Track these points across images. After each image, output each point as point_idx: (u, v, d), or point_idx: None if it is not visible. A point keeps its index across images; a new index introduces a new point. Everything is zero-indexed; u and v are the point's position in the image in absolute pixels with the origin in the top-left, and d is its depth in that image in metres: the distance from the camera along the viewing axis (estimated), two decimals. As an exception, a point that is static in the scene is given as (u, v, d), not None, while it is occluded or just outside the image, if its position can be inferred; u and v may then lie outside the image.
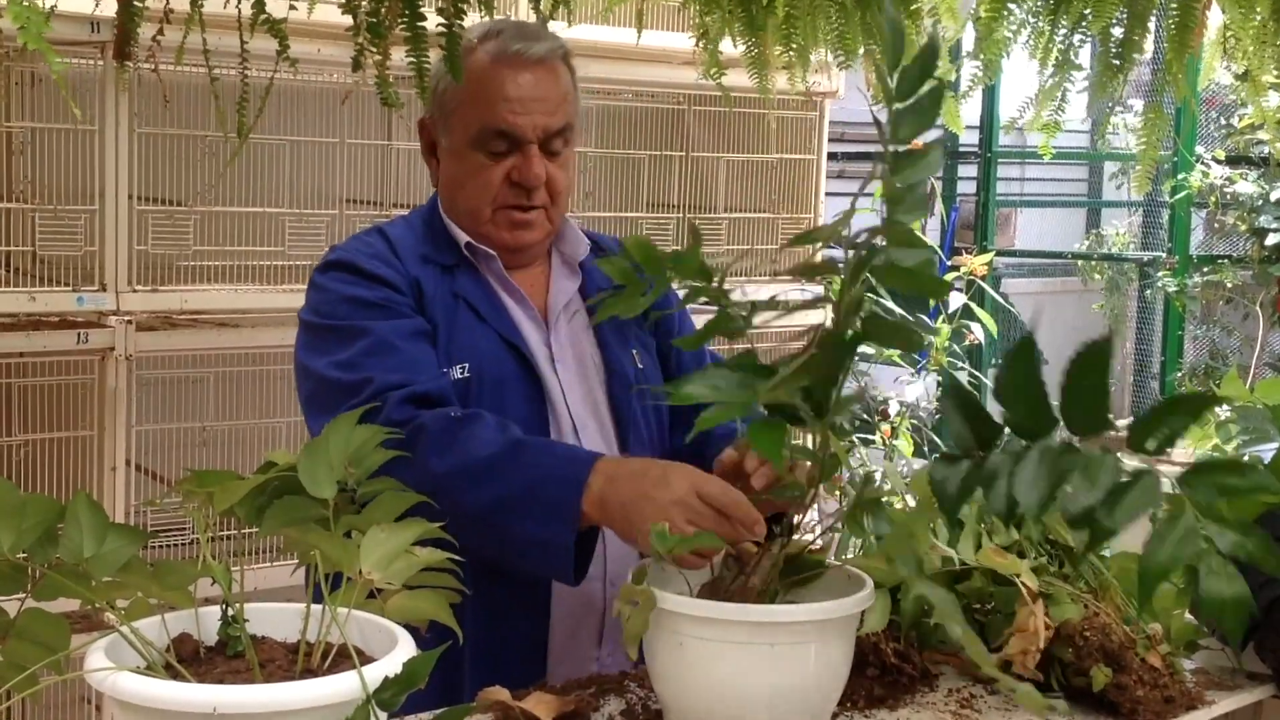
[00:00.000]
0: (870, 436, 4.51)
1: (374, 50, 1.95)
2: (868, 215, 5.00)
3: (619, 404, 1.92)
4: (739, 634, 1.39)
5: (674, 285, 2.13)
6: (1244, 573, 1.64)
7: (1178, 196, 5.91)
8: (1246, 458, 2.06)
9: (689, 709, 1.45)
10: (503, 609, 1.74)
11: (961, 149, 7.12)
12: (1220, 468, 1.14)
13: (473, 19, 2.12)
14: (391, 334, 1.79)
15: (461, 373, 1.83)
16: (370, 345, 1.78)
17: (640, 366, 1.96)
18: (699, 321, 2.20)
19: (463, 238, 1.91)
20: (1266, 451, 1.86)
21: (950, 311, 4.68)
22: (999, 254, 6.28)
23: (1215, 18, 2.17)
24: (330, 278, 1.88)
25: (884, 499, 1.50)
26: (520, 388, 1.86)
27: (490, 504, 1.60)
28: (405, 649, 1.17)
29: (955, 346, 4.83)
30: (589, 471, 1.62)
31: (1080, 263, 7.53)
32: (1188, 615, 1.74)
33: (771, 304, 1.41)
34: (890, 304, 4.58)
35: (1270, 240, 5.77)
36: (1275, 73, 2.11)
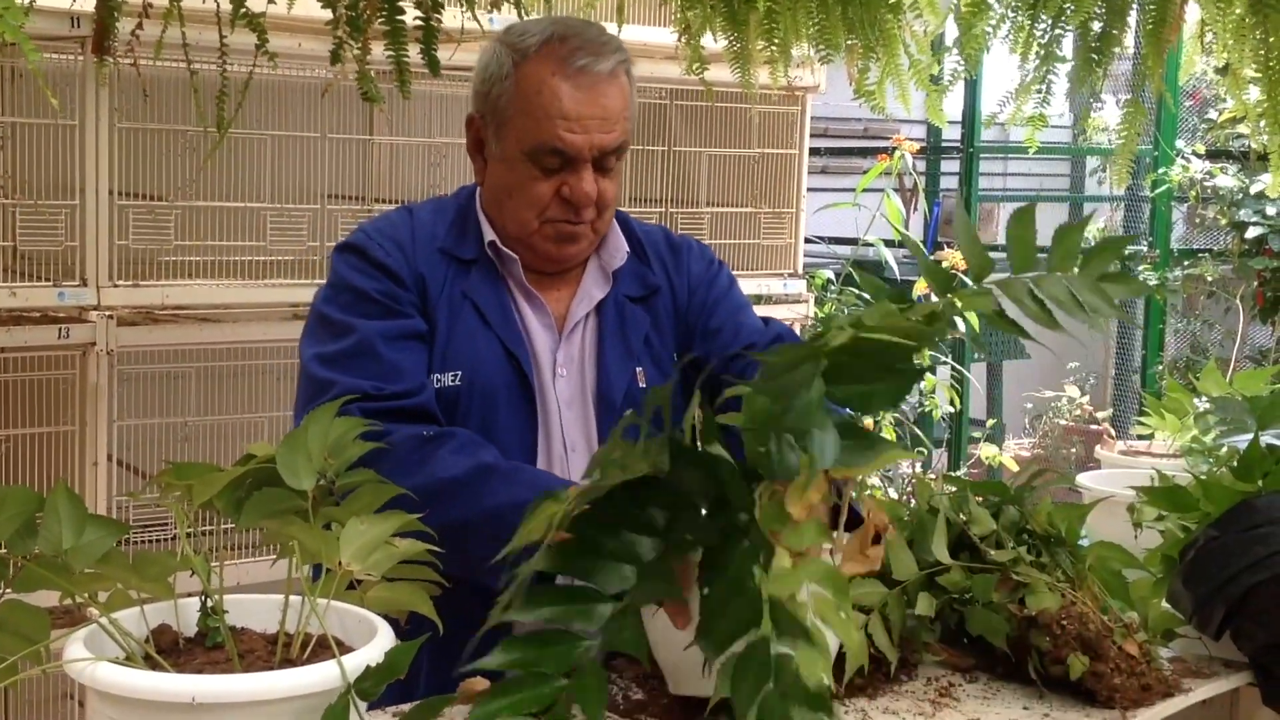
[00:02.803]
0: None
1: (353, 44, 1.96)
2: (847, 210, 4.96)
3: (604, 431, 1.86)
4: None
5: (723, 264, 2.05)
6: (1219, 560, 1.66)
7: (1158, 190, 5.94)
8: (1225, 449, 2.08)
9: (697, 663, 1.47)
10: (464, 614, 1.70)
11: (944, 144, 7.14)
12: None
13: (451, 14, 2.13)
14: (377, 336, 1.76)
15: (453, 380, 1.79)
16: (352, 345, 1.75)
17: (642, 386, 1.88)
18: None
19: (489, 235, 1.86)
20: (1243, 442, 1.88)
21: (932, 306, 4.69)
22: (981, 248, 6.29)
23: (1194, 12, 2.18)
24: (342, 260, 1.84)
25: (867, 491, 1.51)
26: (513, 401, 1.82)
27: (453, 526, 1.49)
28: (385, 639, 1.18)
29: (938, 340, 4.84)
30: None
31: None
32: (1164, 604, 1.76)
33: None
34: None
35: (1250, 234, 5.80)
36: (1255, 67, 2.12)
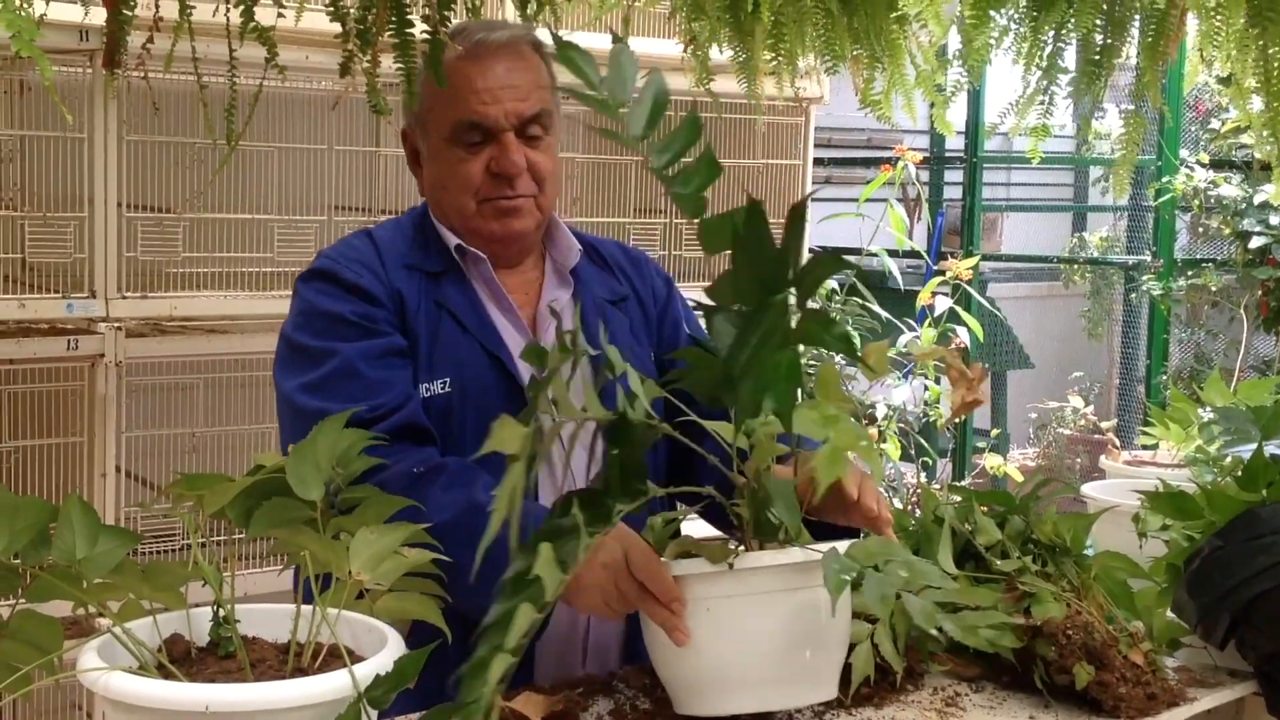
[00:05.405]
0: (858, 440, 4.53)
1: (362, 56, 1.96)
2: (851, 220, 4.95)
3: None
4: (772, 581, 1.45)
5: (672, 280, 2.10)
6: (1224, 569, 1.67)
7: (1162, 200, 5.94)
8: (1229, 459, 2.08)
9: (704, 681, 1.48)
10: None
11: (948, 154, 7.15)
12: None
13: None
14: (359, 358, 1.77)
15: (443, 387, 1.81)
16: (335, 369, 1.76)
17: None
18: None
19: (453, 240, 1.89)
20: (1247, 452, 1.88)
21: (936, 315, 4.70)
22: (985, 258, 6.30)
23: (1196, 24, 2.19)
24: (310, 288, 1.86)
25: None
26: (504, 401, 1.81)
27: (446, 569, 1.46)
28: (395, 648, 1.19)
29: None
30: None
31: (1065, 267, 7.56)
32: (1169, 613, 1.76)
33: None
34: (876, 308, 4.60)
35: (1254, 243, 5.79)
36: (1257, 77, 2.12)
